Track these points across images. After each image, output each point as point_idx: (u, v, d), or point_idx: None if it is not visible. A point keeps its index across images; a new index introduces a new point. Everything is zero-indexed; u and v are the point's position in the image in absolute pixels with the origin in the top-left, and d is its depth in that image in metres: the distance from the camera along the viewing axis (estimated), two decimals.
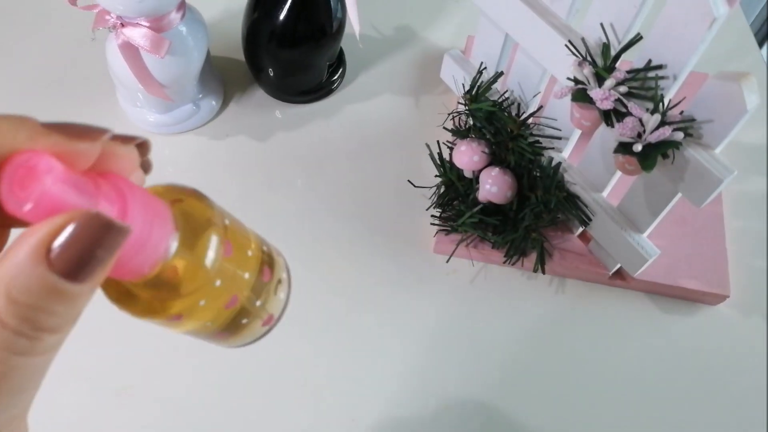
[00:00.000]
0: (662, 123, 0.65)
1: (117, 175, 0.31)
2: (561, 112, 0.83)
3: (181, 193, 0.37)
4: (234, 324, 0.41)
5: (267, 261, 0.42)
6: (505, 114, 0.85)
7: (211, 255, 0.35)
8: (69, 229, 0.27)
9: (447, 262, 0.90)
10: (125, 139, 0.33)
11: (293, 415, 0.79)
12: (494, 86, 0.89)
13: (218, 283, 0.36)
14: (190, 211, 0.36)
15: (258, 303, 0.42)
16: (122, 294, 0.35)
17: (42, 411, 0.31)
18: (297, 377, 0.82)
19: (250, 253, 0.40)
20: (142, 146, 0.34)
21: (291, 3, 0.94)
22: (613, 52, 0.70)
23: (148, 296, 0.35)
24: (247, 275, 0.39)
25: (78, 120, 0.30)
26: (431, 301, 0.88)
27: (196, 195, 0.37)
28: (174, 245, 0.33)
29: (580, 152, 0.85)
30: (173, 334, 0.39)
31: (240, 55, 1.05)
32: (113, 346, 0.81)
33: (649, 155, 0.67)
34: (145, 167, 0.36)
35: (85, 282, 0.28)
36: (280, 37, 0.97)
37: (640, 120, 0.66)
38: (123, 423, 0.77)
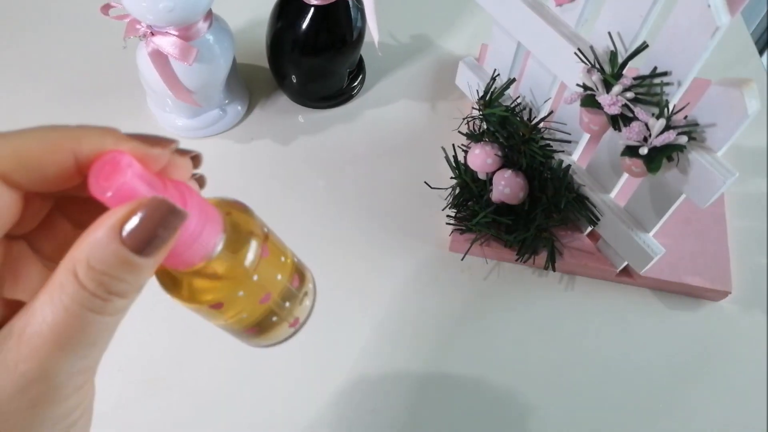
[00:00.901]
0: (667, 127, 0.66)
1: (180, 181, 0.36)
2: (570, 116, 0.84)
3: (229, 206, 0.41)
4: (265, 320, 0.45)
5: (297, 271, 0.47)
6: (518, 119, 0.86)
7: (250, 255, 0.40)
8: (139, 213, 0.32)
9: (462, 259, 0.91)
10: (182, 152, 0.38)
11: (314, 407, 0.80)
12: (507, 92, 0.90)
13: (255, 278, 0.41)
14: (236, 220, 0.40)
15: (287, 305, 0.46)
16: (172, 282, 0.40)
17: None
18: (318, 371, 0.83)
19: (283, 259, 0.45)
20: (195, 159, 0.40)
21: (313, 13, 0.94)
22: (620, 60, 0.71)
23: (195, 284, 0.39)
24: (279, 276, 0.44)
25: (112, 124, 0.35)
26: (447, 297, 0.89)
27: (242, 207, 0.42)
28: (221, 244, 0.38)
29: (588, 155, 0.86)
30: (206, 329, 0.44)
31: (264, 62, 1.07)
32: (146, 339, 0.82)
33: (654, 158, 0.68)
34: (201, 183, 0.42)
35: (150, 256, 0.33)
36: (303, 46, 0.98)
37: (646, 124, 0.67)
38: (153, 414, 0.79)
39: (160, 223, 0.33)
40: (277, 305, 0.45)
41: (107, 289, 0.33)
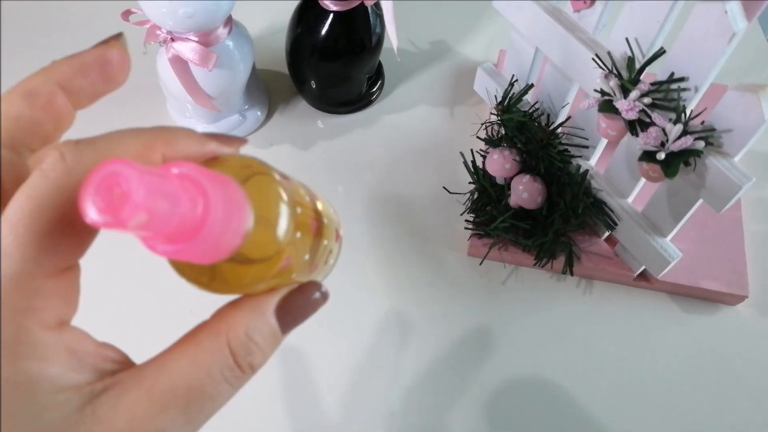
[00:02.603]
0: (684, 132, 0.66)
1: (192, 165, 0.30)
2: (588, 122, 0.84)
3: (249, 168, 0.35)
4: (317, 247, 0.41)
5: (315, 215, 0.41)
6: (536, 124, 0.86)
7: (283, 223, 0.34)
8: (300, 294, 0.36)
9: (480, 264, 0.91)
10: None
11: (333, 409, 0.81)
12: (525, 98, 0.90)
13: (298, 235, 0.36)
14: (259, 186, 0.34)
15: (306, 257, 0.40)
16: (209, 276, 0.35)
17: None
18: (337, 372, 0.83)
19: (299, 210, 0.37)
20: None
21: (332, 19, 0.94)
22: (637, 65, 0.71)
23: (234, 270, 0.34)
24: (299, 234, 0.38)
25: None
26: (465, 301, 0.89)
27: (263, 169, 0.35)
28: (251, 220, 0.32)
29: (606, 160, 0.86)
30: None
31: (284, 68, 1.07)
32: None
33: (671, 163, 0.68)
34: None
35: (287, 333, 0.36)
36: (322, 51, 0.98)
37: (663, 130, 0.67)
38: None
39: (313, 305, 0.36)
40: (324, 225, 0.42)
41: (251, 362, 0.34)
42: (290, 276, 0.37)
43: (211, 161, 0.35)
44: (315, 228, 0.40)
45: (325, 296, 0.39)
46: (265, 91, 1.09)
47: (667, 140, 0.67)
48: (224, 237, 0.30)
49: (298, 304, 0.37)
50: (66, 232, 0.30)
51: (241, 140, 0.36)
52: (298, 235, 0.36)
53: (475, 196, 0.92)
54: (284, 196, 0.34)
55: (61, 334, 0.32)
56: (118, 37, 0.37)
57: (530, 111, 0.88)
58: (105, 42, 0.37)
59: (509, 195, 0.88)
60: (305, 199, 0.39)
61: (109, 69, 0.36)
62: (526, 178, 0.86)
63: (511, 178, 0.88)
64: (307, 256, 0.39)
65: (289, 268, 0.36)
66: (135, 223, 0.26)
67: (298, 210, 0.36)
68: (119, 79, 0.38)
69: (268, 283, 0.36)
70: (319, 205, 0.43)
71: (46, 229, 0.29)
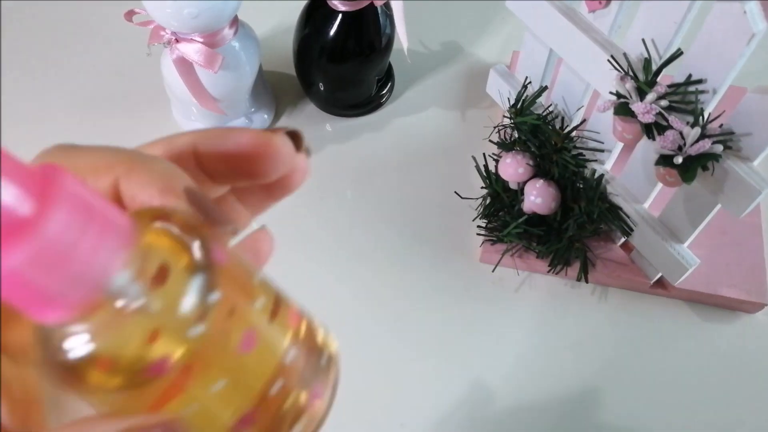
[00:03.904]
0: (702, 136, 0.65)
1: (62, 169, 0.22)
2: (603, 125, 0.83)
3: (162, 214, 0.26)
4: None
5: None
6: (550, 127, 0.85)
7: (190, 297, 0.25)
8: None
9: (493, 271, 0.90)
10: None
11: (340, 421, 0.80)
12: (539, 100, 0.89)
13: (199, 330, 0.25)
14: (172, 236, 0.26)
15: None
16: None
17: None
18: (344, 382, 0.83)
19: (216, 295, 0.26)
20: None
21: (341, 19, 0.94)
22: (654, 67, 0.70)
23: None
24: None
25: (136, 132, 0.31)
26: (477, 309, 0.88)
27: (185, 219, 0.26)
28: (123, 269, 0.23)
29: (622, 164, 0.85)
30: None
31: (291, 69, 1.06)
32: None
33: (689, 167, 0.67)
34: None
35: None
36: (330, 53, 0.98)
37: (681, 133, 0.66)
38: None
39: None
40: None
41: None
42: (186, 402, 0.26)
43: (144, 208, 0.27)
44: (249, 341, 0.28)
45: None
46: (272, 93, 1.08)
47: (685, 144, 0.66)
48: (62, 276, 0.22)
49: None
50: None
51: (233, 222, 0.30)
52: (198, 329, 0.25)
53: (488, 202, 0.92)
54: (195, 259, 0.25)
55: None
56: (297, 136, 0.32)
57: (544, 114, 0.87)
58: (274, 130, 0.31)
59: (522, 200, 0.87)
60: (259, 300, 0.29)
61: (261, 162, 0.31)
62: (539, 183, 0.85)
63: (525, 183, 0.87)
64: (221, 383, 0.27)
65: (170, 381, 0.25)
66: None
67: (215, 296, 0.25)
68: (268, 175, 0.32)
69: (136, 399, 0.25)
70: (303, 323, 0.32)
71: None
